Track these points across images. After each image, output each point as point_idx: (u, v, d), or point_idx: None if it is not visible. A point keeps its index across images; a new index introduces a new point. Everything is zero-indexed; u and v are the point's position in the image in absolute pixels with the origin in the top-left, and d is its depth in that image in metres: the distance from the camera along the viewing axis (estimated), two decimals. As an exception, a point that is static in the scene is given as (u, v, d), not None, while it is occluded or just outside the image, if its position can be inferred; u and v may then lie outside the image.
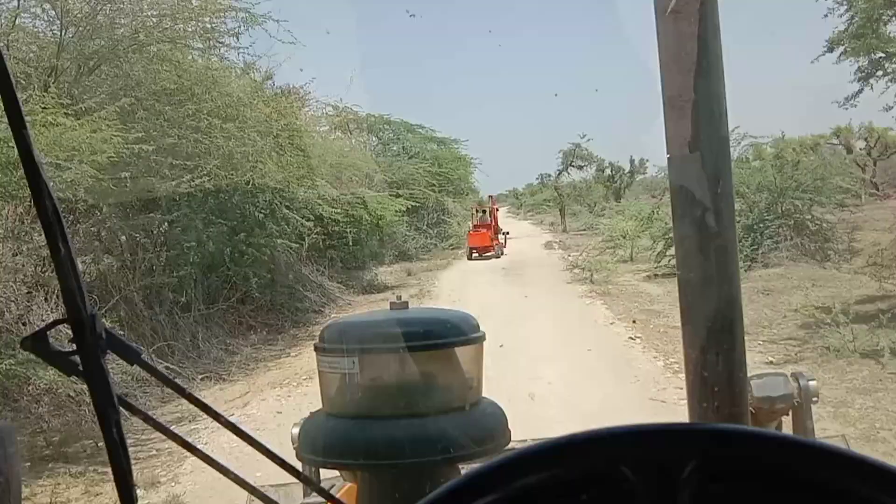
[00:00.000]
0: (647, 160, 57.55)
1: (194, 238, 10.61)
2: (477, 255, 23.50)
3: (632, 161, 41.59)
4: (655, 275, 14.57)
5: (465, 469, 1.00)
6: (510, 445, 1.10)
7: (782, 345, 7.68)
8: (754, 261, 12.06)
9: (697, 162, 0.94)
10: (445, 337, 1.11)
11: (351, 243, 14.40)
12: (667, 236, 14.87)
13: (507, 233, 25.51)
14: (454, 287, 15.04)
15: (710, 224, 0.94)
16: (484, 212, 26.33)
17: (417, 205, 25.35)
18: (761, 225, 12.46)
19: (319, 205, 13.48)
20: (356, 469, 1.10)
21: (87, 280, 8.89)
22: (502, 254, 23.92)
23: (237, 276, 11.65)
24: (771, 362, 7.17)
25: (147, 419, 0.84)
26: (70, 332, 0.71)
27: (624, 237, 18.52)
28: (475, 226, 25.48)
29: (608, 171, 40.86)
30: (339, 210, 14.26)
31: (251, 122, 10.18)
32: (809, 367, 6.83)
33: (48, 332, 0.74)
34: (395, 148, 26.81)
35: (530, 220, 55.25)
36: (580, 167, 33.72)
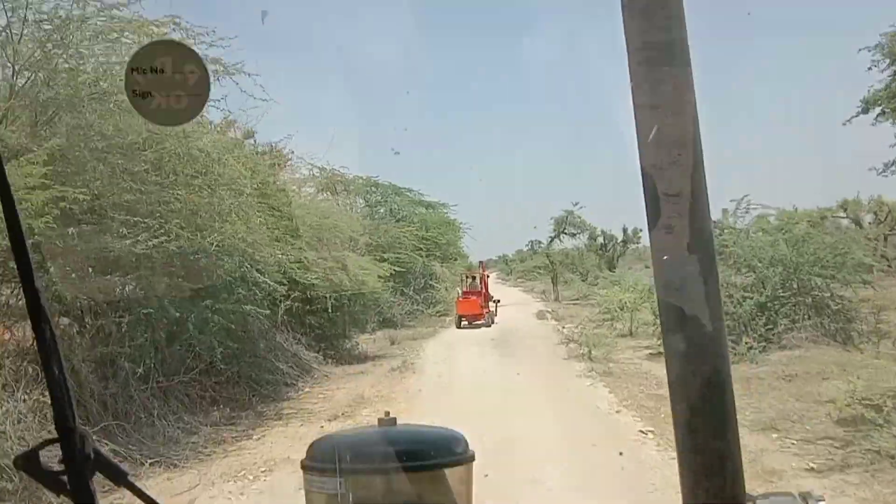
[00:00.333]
0: (641, 230, 57.45)
1: (156, 303, 9.55)
2: (466, 323, 22.66)
3: (625, 230, 41.14)
4: (659, 352, 13.56)
5: None
6: None
7: (821, 446, 6.60)
8: (770, 341, 11.09)
9: (685, 267, 0.94)
10: (434, 458, 1.10)
11: (330, 310, 13.31)
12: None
13: (499, 300, 24.58)
14: (440, 359, 13.92)
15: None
16: (473, 278, 25.47)
17: (403, 269, 24.45)
18: (776, 303, 11.54)
19: (293, 269, 12.51)
20: None
21: (27, 346, 7.85)
22: (493, 322, 22.99)
23: (201, 345, 10.52)
24: (812, 468, 6.10)
25: None
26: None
27: (622, 309, 17.56)
28: (465, 292, 24.65)
29: (600, 240, 40.30)
30: (317, 274, 13.27)
31: (222, 180, 9.31)
32: (859, 475, 5.77)
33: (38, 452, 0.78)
34: (381, 210, 26.04)
35: (520, 287, 54.42)
36: (573, 235, 33.04)
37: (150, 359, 9.71)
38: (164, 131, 8.76)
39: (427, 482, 1.10)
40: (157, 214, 8.58)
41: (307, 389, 10.94)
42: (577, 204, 32.04)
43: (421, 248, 24.20)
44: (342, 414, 9.58)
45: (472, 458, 1.14)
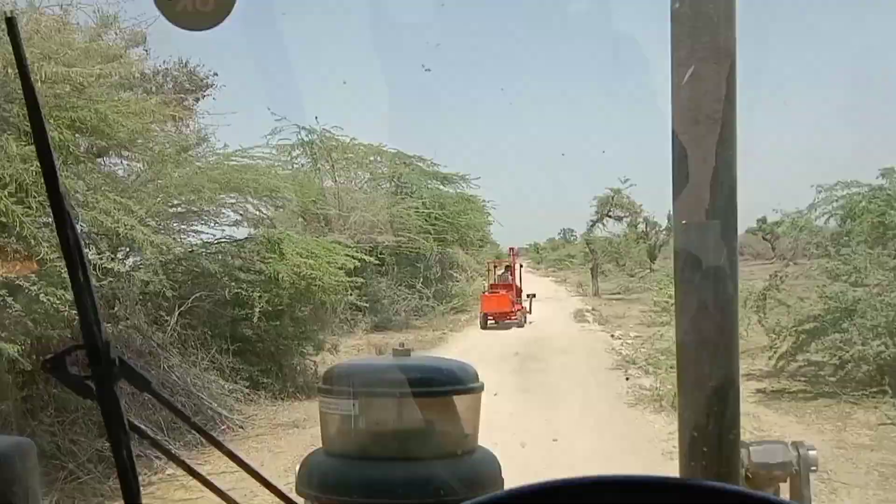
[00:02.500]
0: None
1: None
2: (493, 322, 18.14)
3: (669, 217, 35.75)
4: (779, 391, 8.65)
5: None
6: None
7: None
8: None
9: (707, 229, 0.97)
10: (444, 385, 1.14)
11: (264, 319, 8.61)
12: (803, 326, 9.00)
13: (533, 295, 19.80)
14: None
15: (715, 291, 0.97)
16: (505, 268, 20.63)
17: (409, 255, 19.69)
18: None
19: (198, 256, 7.87)
20: None
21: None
22: (525, 322, 18.25)
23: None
24: None
25: (156, 444, 0.96)
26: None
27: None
28: (492, 286, 20.11)
29: (642, 227, 34.88)
30: (243, 262, 8.60)
31: None
32: None
33: (66, 357, 0.80)
34: (386, 185, 21.24)
35: (552, 278, 49.33)
36: (619, 218, 27.70)
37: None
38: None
39: (436, 407, 1.13)
40: None
41: (169, 471, 6.03)
42: (626, 181, 26.41)
43: (431, 231, 19.35)
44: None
45: (481, 388, 1.17)
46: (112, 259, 6.18)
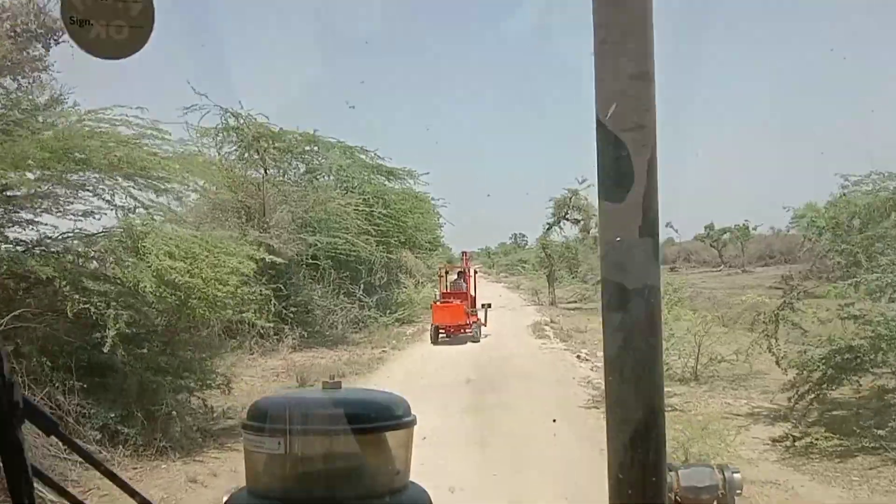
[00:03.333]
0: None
1: None
2: (445, 335, 16.22)
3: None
4: (807, 448, 6.64)
5: None
6: None
7: None
8: None
9: (634, 250, 0.98)
10: (375, 420, 1.07)
11: (123, 345, 6.20)
12: (834, 358, 7.04)
13: (489, 305, 17.60)
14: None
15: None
16: (457, 274, 18.48)
17: (352, 257, 17.27)
18: None
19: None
20: None
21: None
22: (480, 335, 16.29)
23: None
24: None
25: (63, 493, 0.87)
26: None
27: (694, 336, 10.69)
28: (444, 294, 17.96)
29: (595, 231, 33.16)
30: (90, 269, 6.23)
31: None
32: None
33: None
34: (325, 179, 18.80)
35: (504, 284, 47.58)
36: (576, 221, 25.79)
37: None
38: None
39: (367, 444, 1.08)
40: None
41: None
42: (584, 181, 24.38)
43: (372, 231, 17.02)
44: None
45: (414, 422, 1.11)
46: None
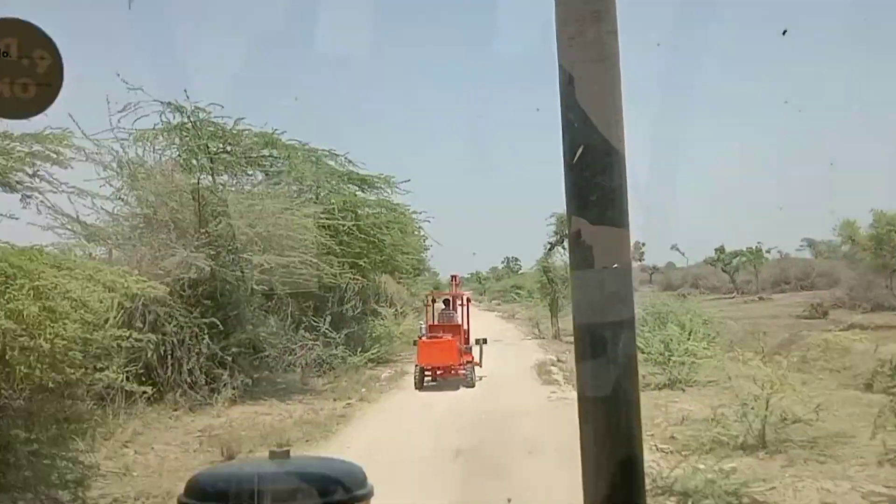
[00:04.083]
0: (644, 244, 46.75)
1: None
2: (432, 379, 13.30)
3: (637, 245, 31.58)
4: None
5: None
6: None
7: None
8: None
9: (603, 279, 1.02)
10: (328, 495, 1.02)
11: None
12: None
13: (484, 340, 14.27)
14: None
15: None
16: (446, 303, 15.17)
17: (311, 285, 13.93)
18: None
19: None
20: None
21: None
22: (474, 379, 13.16)
23: None
24: None
25: None
26: None
27: (757, 398, 7.71)
28: (431, 327, 14.52)
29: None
30: None
31: None
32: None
33: None
34: (288, 188, 15.54)
35: (497, 312, 44.05)
36: (582, 242, 22.64)
37: None
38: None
39: None
40: None
41: None
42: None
43: (338, 251, 13.73)
44: None
45: (371, 494, 1.07)
46: None
